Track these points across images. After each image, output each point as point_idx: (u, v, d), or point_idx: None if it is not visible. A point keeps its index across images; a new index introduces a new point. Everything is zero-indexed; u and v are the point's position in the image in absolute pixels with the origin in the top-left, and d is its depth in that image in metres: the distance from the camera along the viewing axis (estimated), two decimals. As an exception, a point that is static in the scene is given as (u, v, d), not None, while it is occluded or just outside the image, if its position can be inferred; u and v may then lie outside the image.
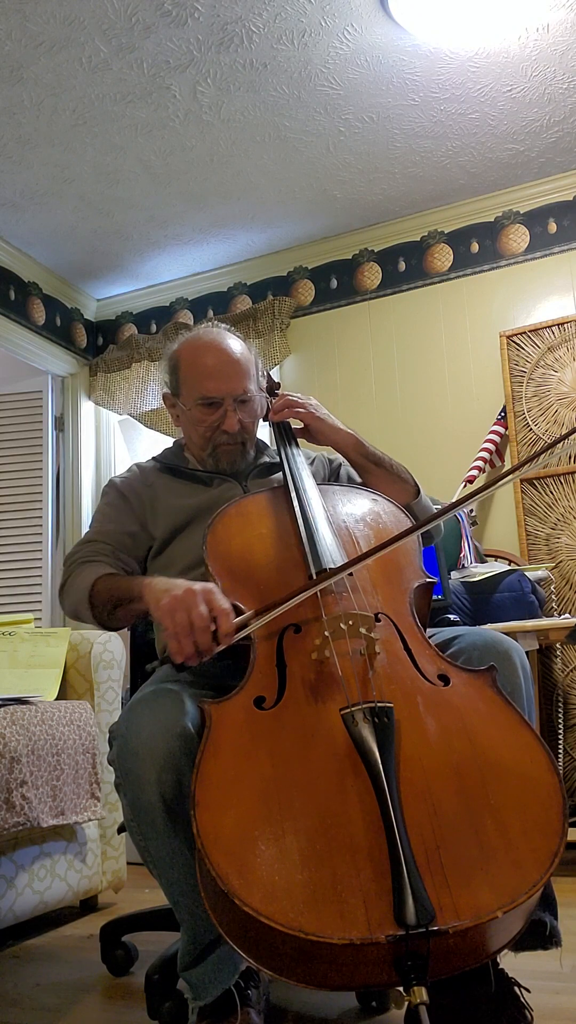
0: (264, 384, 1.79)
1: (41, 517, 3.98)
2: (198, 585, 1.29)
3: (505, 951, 1.06)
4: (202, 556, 1.43)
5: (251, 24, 2.57)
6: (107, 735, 1.53)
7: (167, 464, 1.77)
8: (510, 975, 1.30)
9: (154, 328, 4.17)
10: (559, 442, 1.52)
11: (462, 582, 2.85)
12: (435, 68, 2.81)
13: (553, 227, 3.45)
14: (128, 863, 2.51)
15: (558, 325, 3.33)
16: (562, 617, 2.87)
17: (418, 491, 1.67)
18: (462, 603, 2.80)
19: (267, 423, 1.78)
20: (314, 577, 1.33)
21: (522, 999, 1.28)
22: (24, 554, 3.97)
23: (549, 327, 3.35)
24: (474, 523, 3.24)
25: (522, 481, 3.30)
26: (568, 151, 3.28)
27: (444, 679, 1.22)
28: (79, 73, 2.73)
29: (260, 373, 1.76)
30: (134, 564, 1.67)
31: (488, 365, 3.47)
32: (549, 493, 3.26)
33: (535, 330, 3.37)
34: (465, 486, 3.21)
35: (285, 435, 1.69)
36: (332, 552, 1.38)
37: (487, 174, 3.41)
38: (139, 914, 1.94)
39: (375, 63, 2.76)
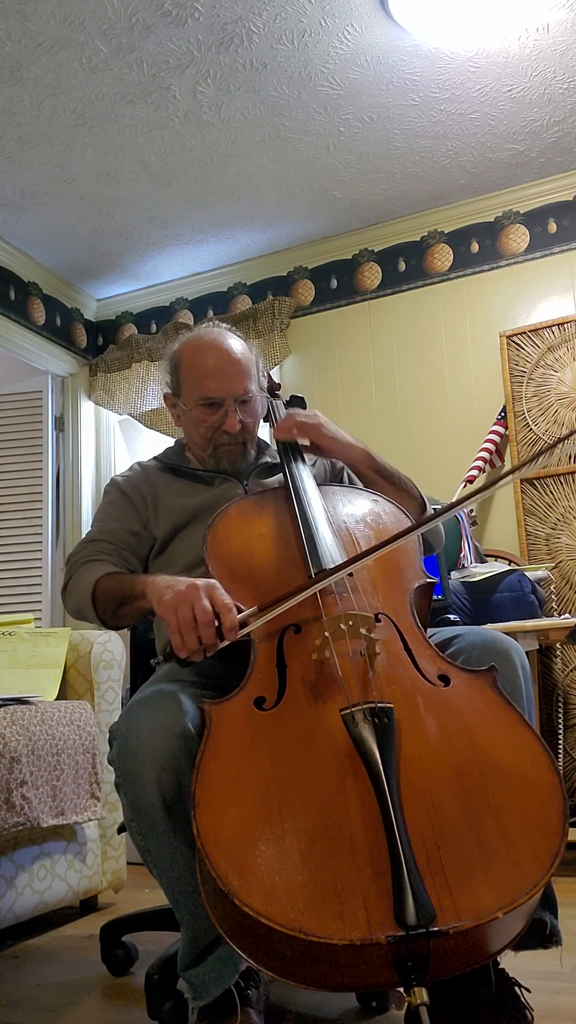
0: (265, 384, 1.79)
1: (41, 517, 3.98)
2: (201, 581, 1.29)
3: (505, 951, 1.06)
4: (202, 556, 1.43)
5: (251, 24, 2.57)
6: (107, 735, 1.53)
7: (169, 463, 1.77)
8: (510, 975, 1.30)
9: (154, 328, 4.17)
10: (559, 443, 1.51)
11: (462, 582, 2.85)
12: (435, 68, 2.81)
13: (553, 227, 3.45)
14: (128, 863, 2.51)
15: (558, 325, 3.33)
16: (562, 617, 2.87)
17: (423, 507, 1.67)
18: (462, 603, 2.80)
19: (268, 423, 1.78)
20: (313, 577, 1.33)
21: (522, 999, 1.28)
22: (24, 554, 3.97)
23: (549, 327, 3.35)
24: (474, 523, 3.24)
25: (522, 481, 3.30)
26: (568, 151, 3.28)
27: (444, 679, 1.22)
28: (79, 73, 2.73)
29: (261, 373, 1.76)
30: (137, 563, 1.67)
31: (488, 365, 3.47)
32: (549, 493, 3.26)
33: (535, 330, 3.37)
34: (465, 486, 3.21)
35: (290, 451, 1.65)
36: (332, 552, 1.38)
37: (487, 174, 3.41)
38: (139, 914, 1.94)
39: (375, 63, 2.76)
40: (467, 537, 3.03)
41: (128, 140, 3.07)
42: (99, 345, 4.29)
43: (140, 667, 2.54)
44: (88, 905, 2.47)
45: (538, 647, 2.80)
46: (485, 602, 2.79)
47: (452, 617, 2.66)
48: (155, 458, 1.81)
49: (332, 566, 1.33)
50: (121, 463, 4.13)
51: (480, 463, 3.26)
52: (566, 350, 3.31)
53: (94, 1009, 1.71)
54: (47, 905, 2.19)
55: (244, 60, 2.72)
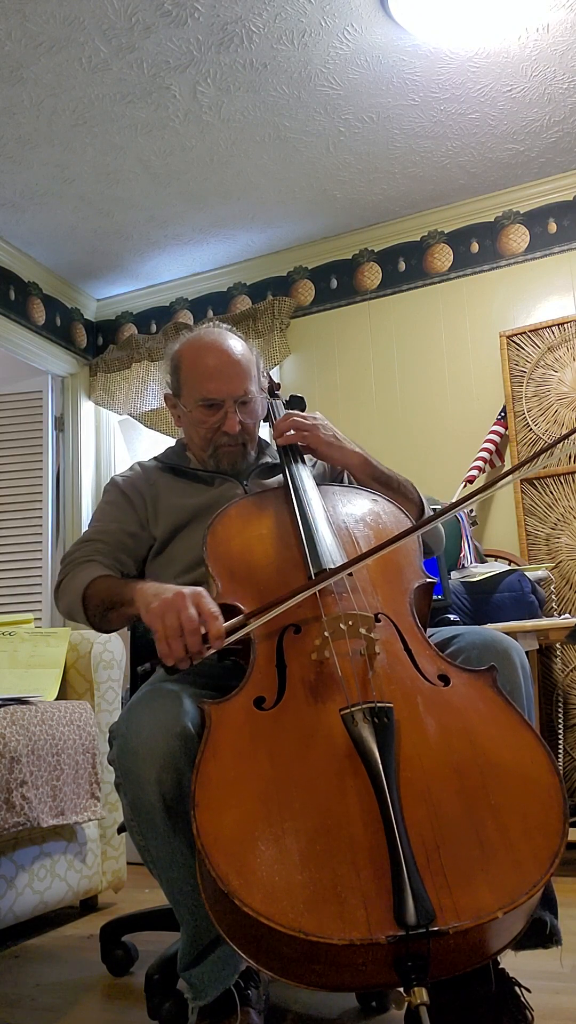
0: (265, 384, 1.79)
1: (41, 517, 3.98)
2: (188, 589, 1.29)
3: (505, 951, 1.06)
4: (202, 556, 1.43)
5: (251, 24, 2.57)
6: (107, 735, 1.53)
7: (169, 463, 1.77)
8: (510, 975, 1.30)
9: (154, 328, 4.17)
10: (558, 443, 1.51)
11: (462, 582, 2.85)
12: (435, 68, 2.81)
13: (553, 227, 3.45)
14: (128, 863, 2.51)
15: (558, 325, 3.33)
16: (562, 617, 2.87)
17: (422, 510, 1.67)
18: (462, 603, 2.80)
19: (267, 423, 1.78)
20: (313, 577, 1.33)
21: (522, 999, 1.28)
22: (24, 554, 3.97)
23: (549, 327, 3.35)
24: (474, 523, 3.24)
25: (522, 481, 3.30)
26: (568, 151, 3.28)
27: (444, 679, 1.22)
28: (79, 73, 2.73)
29: (261, 373, 1.76)
30: (132, 565, 1.67)
31: (488, 365, 3.47)
32: (549, 493, 3.26)
33: (535, 330, 3.37)
34: (465, 486, 3.21)
35: (289, 451, 1.65)
36: (332, 552, 1.38)
37: (487, 174, 3.41)
38: (139, 914, 1.94)
39: (375, 63, 2.76)
40: (467, 537, 3.03)
41: (128, 140, 3.07)
42: (99, 345, 4.29)
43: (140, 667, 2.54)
44: (88, 905, 2.47)
45: (538, 647, 2.80)
46: (485, 602, 2.79)
47: (452, 617, 2.66)
48: (155, 458, 1.81)
49: (332, 566, 1.34)
50: (121, 463, 4.13)
51: (480, 463, 3.26)
52: (566, 350, 3.31)
53: (94, 1009, 1.71)
54: (47, 905, 2.19)
55: (244, 60, 2.72)
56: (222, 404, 1.66)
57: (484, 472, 3.28)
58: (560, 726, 3.04)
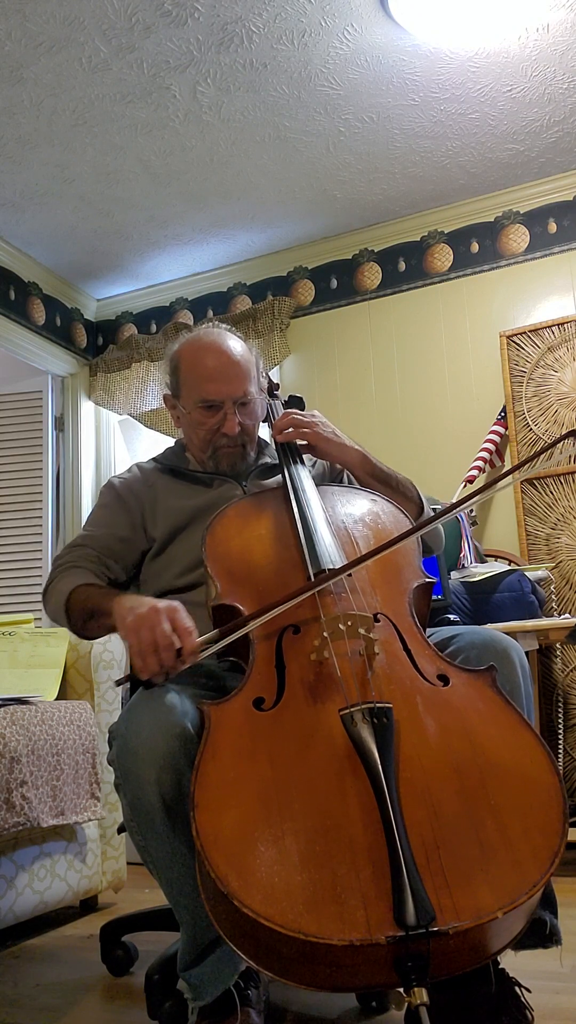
0: (264, 385, 1.79)
1: (41, 517, 3.98)
2: (163, 603, 1.29)
3: (505, 951, 1.06)
4: (201, 557, 1.43)
5: (251, 24, 2.57)
6: (107, 735, 1.53)
7: (168, 465, 1.77)
8: (510, 975, 1.30)
9: (154, 328, 4.17)
10: (551, 447, 1.51)
11: (462, 582, 2.85)
12: (435, 68, 2.80)
13: (553, 227, 3.45)
14: (128, 863, 2.51)
15: (558, 325, 3.33)
16: (562, 617, 2.87)
17: (422, 509, 1.67)
18: (462, 603, 2.80)
19: (266, 423, 1.78)
20: (312, 578, 1.33)
21: (523, 999, 1.28)
22: (24, 554, 3.97)
23: (549, 327, 3.35)
24: (474, 523, 3.24)
25: (522, 481, 3.30)
26: (568, 151, 3.28)
27: (444, 679, 1.22)
28: (79, 73, 2.73)
29: (261, 374, 1.76)
30: (120, 570, 1.67)
31: (488, 365, 3.47)
32: (549, 493, 3.26)
33: (535, 330, 3.37)
34: (465, 486, 3.21)
35: (289, 451, 1.66)
36: (331, 553, 1.38)
37: (487, 174, 3.40)
38: (139, 914, 1.94)
39: (375, 63, 2.76)
40: (467, 537, 3.03)
41: (128, 140, 3.07)
42: (99, 345, 4.29)
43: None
44: (88, 905, 2.47)
45: (538, 647, 2.80)
46: (485, 602, 2.79)
47: (452, 617, 2.66)
48: (154, 459, 1.81)
49: (331, 566, 1.34)
50: (121, 463, 4.13)
51: (480, 463, 3.26)
52: (566, 350, 3.31)
53: (94, 1009, 1.71)
54: (47, 905, 2.19)
55: (244, 60, 2.72)
56: (221, 405, 1.66)
57: (484, 472, 3.28)
58: (560, 726, 3.04)
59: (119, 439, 4.24)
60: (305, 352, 3.84)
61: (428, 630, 1.41)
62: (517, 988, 1.29)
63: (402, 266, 3.72)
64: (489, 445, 3.31)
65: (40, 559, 3.93)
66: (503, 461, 3.36)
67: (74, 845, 2.31)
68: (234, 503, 1.54)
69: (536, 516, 3.27)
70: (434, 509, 1.71)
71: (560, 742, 3.02)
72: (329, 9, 2.53)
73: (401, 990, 0.93)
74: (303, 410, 1.79)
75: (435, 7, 2.52)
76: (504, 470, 3.34)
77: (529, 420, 3.33)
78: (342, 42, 2.66)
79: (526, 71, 2.85)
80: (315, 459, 1.78)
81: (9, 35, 2.55)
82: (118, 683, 1.43)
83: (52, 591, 1.60)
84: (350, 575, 1.34)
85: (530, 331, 3.38)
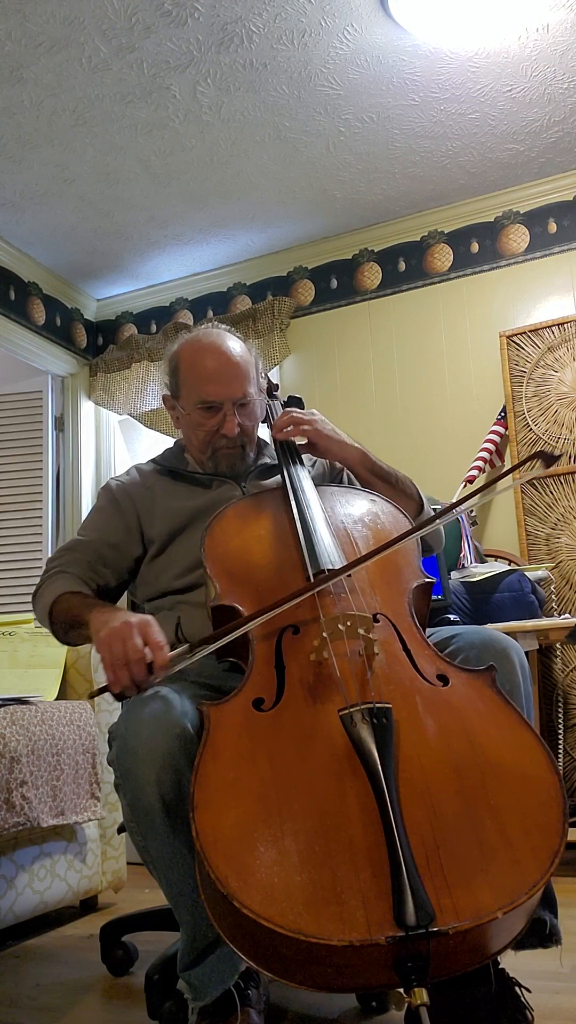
0: (264, 385, 1.79)
1: (41, 517, 3.98)
2: (136, 618, 1.30)
3: (505, 951, 1.06)
4: (200, 558, 1.43)
5: (251, 24, 2.57)
6: (107, 735, 1.53)
7: (167, 466, 1.77)
8: (510, 975, 1.30)
9: (154, 328, 4.17)
10: (557, 455, 1.51)
11: (462, 582, 2.85)
12: (435, 68, 2.80)
13: (553, 227, 3.45)
14: (128, 863, 2.51)
15: (558, 325, 3.33)
16: (562, 617, 2.87)
17: (422, 507, 1.67)
18: (462, 603, 2.80)
19: (266, 423, 1.77)
20: (312, 578, 1.33)
21: (523, 999, 1.28)
22: (24, 554, 3.97)
23: (549, 327, 3.35)
24: (474, 523, 3.24)
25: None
26: (568, 151, 3.28)
27: (443, 679, 1.22)
28: (79, 73, 2.73)
29: (260, 375, 1.76)
30: (111, 575, 1.67)
31: (488, 365, 3.47)
32: (549, 493, 3.26)
33: (535, 330, 3.37)
34: (465, 486, 3.21)
35: (288, 452, 1.66)
36: (330, 553, 1.38)
37: (487, 174, 3.40)
38: (139, 914, 1.94)
39: (375, 63, 2.76)
40: (467, 537, 3.03)
41: (128, 140, 3.07)
42: (99, 345, 4.29)
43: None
44: (88, 905, 2.47)
45: (538, 647, 2.80)
46: (485, 602, 2.79)
47: (452, 617, 2.66)
48: (153, 460, 1.81)
49: (331, 567, 1.34)
50: (121, 463, 4.13)
51: (480, 463, 3.26)
52: (566, 350, 3.31)
53: (94, 1009, 1.71)
54: (47, 905, 2.20)
55: (244, 60, 2.72)
56: (221, 406, 1.65)
57: (484, 472, 3.27)
58: (560, 726, 3.04)
59: (119, 439, 4.24)
60: (305, 352, 3.84)
61: (428, 630, 1.41)
62: (517, 988, 1.29)
63: (402, 266, 3.71)
64: (489, 445, 3.31)
65: (40, 559, 3.93)
66: (503, 461, 3.36)
67: (74, 845, 2.31)
68: (233, 504, 1.54)
69: (536, 516, 3.27)
70: (434, 509, 1.71)
71: (560, 742, 3.02)
72: (329, 9, 2.53)
73: (401, 990, 0.93)
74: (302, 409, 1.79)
75: (435, 7, 2.52)
76: (503, 470, 3.34)
77: (529, 420, 3.33)
78: (342, 42, 2.66)
79: (526, 71, 2.84)
80: (315, 459, 1.78)
81: (9, 35, 2.55)
82: (91, 696, 1.44)
83: (40, 596, 1.62)
84: (349, 575, 1.34)
85: (530, 331, 3.38)
